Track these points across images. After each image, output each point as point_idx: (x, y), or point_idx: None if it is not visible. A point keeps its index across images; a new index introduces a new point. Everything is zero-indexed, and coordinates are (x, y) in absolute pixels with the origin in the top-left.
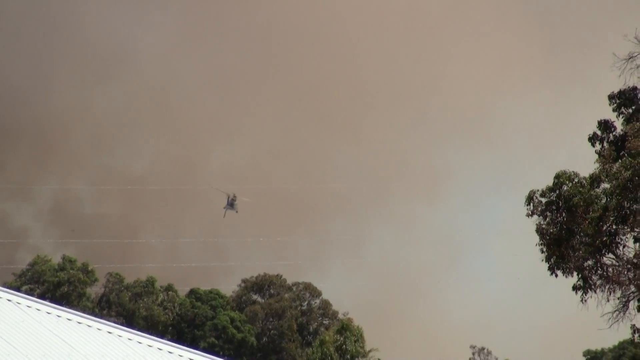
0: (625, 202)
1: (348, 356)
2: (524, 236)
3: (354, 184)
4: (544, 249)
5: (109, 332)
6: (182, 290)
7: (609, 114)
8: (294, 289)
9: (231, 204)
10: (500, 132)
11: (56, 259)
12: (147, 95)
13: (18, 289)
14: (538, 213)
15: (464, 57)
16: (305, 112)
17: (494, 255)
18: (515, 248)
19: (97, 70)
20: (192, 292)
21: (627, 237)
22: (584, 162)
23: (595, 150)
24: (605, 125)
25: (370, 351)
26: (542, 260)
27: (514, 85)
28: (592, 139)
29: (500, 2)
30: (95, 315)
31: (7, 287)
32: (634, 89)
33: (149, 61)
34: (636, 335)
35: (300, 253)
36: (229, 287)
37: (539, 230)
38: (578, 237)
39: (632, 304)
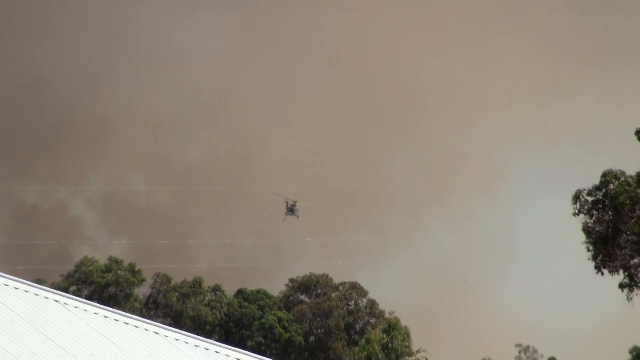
0: None
1: (394, 355)
2: (571, 234)
3: (409, 182)
4: (590, 248)
5: (156, 333)
6: (230, 290)
7: None
8: (340, 289)
9: (291, 209)
10: (553, 131)
11: (106, 256)
12: (203, 94)
13: (65, 290)
14: (585, 212)
15: (518, 56)
16: (361, 109)
17: (542, 254)
18: (563, 246)
19: (152, 68)
20: (240, 292)
21: None
22: (633, 161)
23: None
24: None
25: (418, 351)
26: (589, 258)
27: (566, 84)
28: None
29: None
30: (143, 316)
31: (55, 288)
32: None
33: (204, 60)
34: None
35: (352, 252)
36: (276, 287)
37: (585, 229)
38: (624, 235)
39: None
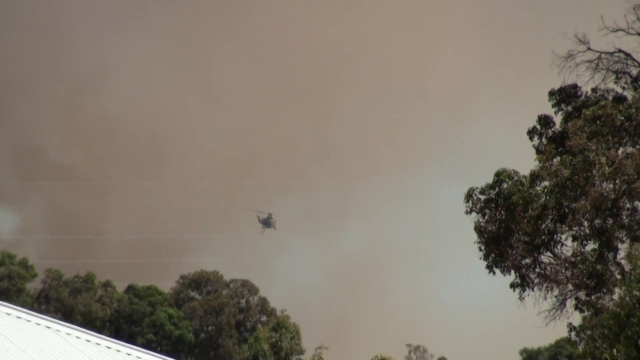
0: (564, 201)
1: (283, 353)
2: (463, 233)
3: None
4: (482, 247)
5: (48, 327)
6: (121, 287)
7: (549, 111)
8: (232, 286)
9: (266, 222)
10: (449, 131)
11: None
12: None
13: None
14: (477, 210)
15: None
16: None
17: (433, 253)
18: (455, 246)
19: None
20: (130, 288)
21: (565, 236)
22: (525, 161)
23: (533, 145)
24: (545, 121)
25: (319, 348)
26: (481, 258)
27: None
28: (531, 132)
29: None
30: (34, 311)
31: None
32: (574, 86)
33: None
34: (573, 333)
35: (239, 250)
36: (167, 284)
37: (477, 228)
38: (516, 235)
39: (569, 302)
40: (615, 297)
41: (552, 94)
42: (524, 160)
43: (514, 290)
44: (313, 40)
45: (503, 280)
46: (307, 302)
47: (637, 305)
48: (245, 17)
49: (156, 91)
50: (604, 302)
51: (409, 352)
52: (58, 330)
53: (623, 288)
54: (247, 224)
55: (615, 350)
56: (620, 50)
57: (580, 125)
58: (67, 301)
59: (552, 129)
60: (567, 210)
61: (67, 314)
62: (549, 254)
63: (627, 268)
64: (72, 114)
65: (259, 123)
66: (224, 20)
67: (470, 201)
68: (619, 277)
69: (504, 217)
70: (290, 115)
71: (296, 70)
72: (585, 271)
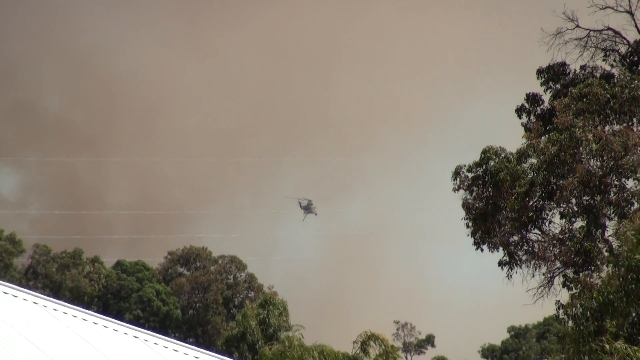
0: (552, 178)
1: (271, 330)
2: (453, 212)
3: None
4: (470, 224)
5: (35, 303)
6: (109, 262)
7: (538, 88)
8: (220, 262)
9: (307, 208)
10: (449, 108)
11: None
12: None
13: None
14: (465, 188)
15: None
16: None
17: (430, 230)
18: (450, 224)
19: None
20: (118, 264)
21: (553, 213)
22: (513, 138)
23: (522, 123)
24: (533, 99)
25: (296, 329)
26: (468, 235)
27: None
28: (519, 110)
29: None
30: (22, 286)
31: None
32: (562, 64)
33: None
34: (561, 311)
35: (227, 226)
36: (155, 260)
37: (465, 205)
38: (504, 212)
39: (557, 280)
40: (603, 274)
41: (540, 72)
42: (515, 137)
43: (502, 268)
44: (316, 14)
45: (492, 257)
46: (302, 278)
47: (624, 282)
48: None
49: (158, 58)
50: (591, 279)
51: (397, 329)
52: (45, 306)
53: (610, 264)
54: (246, 198)
55: (608, 324)
56: (609, 28)
57: (567, 103)
58: (55, 277)
59: (541, 107)
60: (554, 187)
61: (55, 289)
62: (536, 231)
63: (615, 245)
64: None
65: (260, 95)
66: None
67: (458, 179)
68: (607, 254)
69: (491, 194)
70: (291, 88)
71: (298, 47)
72: (573, 248)
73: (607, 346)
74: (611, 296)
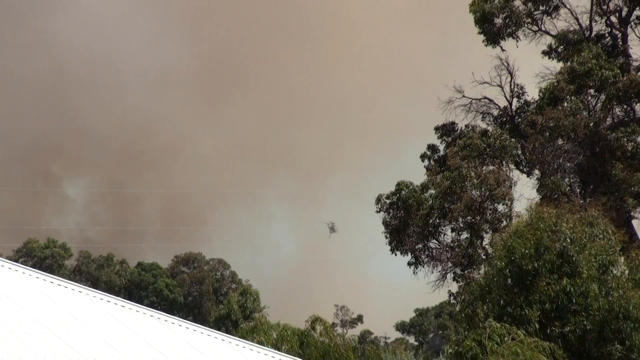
0: (445, 204)
1: (248, 312)
2: (376, 227)
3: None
4: (388, 236)
5: (80, 292)
6: (132, 263)
7: (435, 141)
8: (211, 263)
9: (332, 228)
10: (354, 155)
11: (45, 237)
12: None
13: (16, 261)
14: (384, 210)
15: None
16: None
17: (361, 239)
18: (371, 235)
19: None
20: (139, 264)
21: (446, 228)
22: (418, 175)
23: (424, 165)
24: (432, 148)
25: (264, 308)
26: (386, 244)
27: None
28: (423, 156)
29: None
30: (71, 280)
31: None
32: (453, 123)
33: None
34: (451, 297)
35: (215, 237)
36: (165, 262)
37: (384, 223)
38: (412, 227)
39: (449, 276)
40: (482, 271)
41: (437, 128)
42: (419, 174)
43: (410, 267)
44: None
45: (403, 260)
46: (273, 270)
47: (496, 277)
48: None
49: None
50: (473, 275)
51: (336, 310)
52: (87, 294)
53: (486, 265)
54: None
55: (484, 307)
56: (485, 97)
57: (456, 151)
58: (94, 274)
59: (438, 154)
60: (447, 210)
61: (94, 283)
62: (434, 241)
63: (489, 251)
64: None
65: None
66: None
67: (379, 204)
68: (484, 257)
69: (402, 215)
70: (278, 70)
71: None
72: (460, 253)
73: (484, 323)
74: (487, 288)
